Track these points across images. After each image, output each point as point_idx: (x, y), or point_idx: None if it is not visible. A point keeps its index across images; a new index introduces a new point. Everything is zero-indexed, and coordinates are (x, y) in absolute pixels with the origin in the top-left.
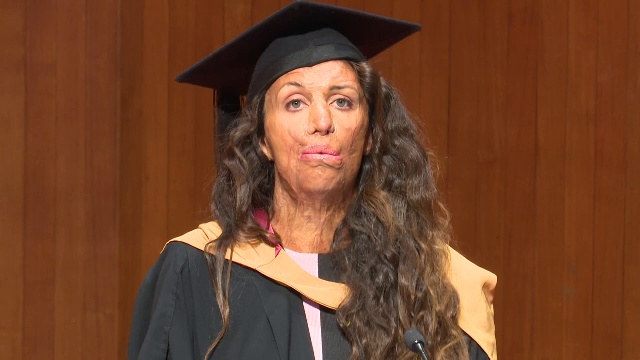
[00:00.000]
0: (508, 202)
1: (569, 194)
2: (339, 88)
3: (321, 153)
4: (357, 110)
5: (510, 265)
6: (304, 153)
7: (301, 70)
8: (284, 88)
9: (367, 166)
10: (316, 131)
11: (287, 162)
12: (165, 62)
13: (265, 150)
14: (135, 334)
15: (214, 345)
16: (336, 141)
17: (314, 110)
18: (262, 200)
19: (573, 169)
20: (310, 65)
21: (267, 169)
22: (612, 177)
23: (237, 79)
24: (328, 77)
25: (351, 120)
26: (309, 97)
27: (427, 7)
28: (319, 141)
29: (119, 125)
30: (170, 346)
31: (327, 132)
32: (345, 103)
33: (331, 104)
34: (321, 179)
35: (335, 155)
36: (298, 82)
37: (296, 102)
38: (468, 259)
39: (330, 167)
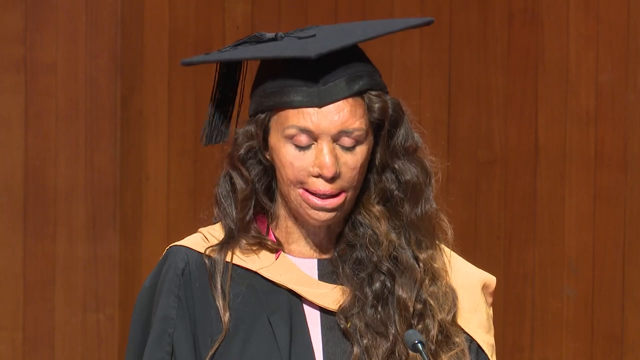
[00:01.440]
0: (508, 202)
1: (569, 194)
2: (348, 132)
3: (323, 197)
4: (363, 145)
5: (510, 265)
6: (305, 190)
7: (309, 110)
8: (290, 128)
9: (367, 175)
10: (320, 175)
11: (288, 190)
12: (165, 62)
13: (269, 156)
14: (134, 338)
15: (214, 348)
16: (341, 183)
17: (319, 155)
18: (264, 203)
19: (573, 169)
20: (320, 106)
21: (272, 171)
22: (612, 177)
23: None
24: (337, 121)
25: (356, 158)
26: (316, 138)
27: (427, 7)
28: (322, 185)
29: (119, 125)
30: (174, 349)
31: (332, 178)
32: (351, 142)
33: (337, 142)
34: (321, 219)
35: (337, 196)
36: (305, 127)
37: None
38: (468, 259)
39: (331, 210)
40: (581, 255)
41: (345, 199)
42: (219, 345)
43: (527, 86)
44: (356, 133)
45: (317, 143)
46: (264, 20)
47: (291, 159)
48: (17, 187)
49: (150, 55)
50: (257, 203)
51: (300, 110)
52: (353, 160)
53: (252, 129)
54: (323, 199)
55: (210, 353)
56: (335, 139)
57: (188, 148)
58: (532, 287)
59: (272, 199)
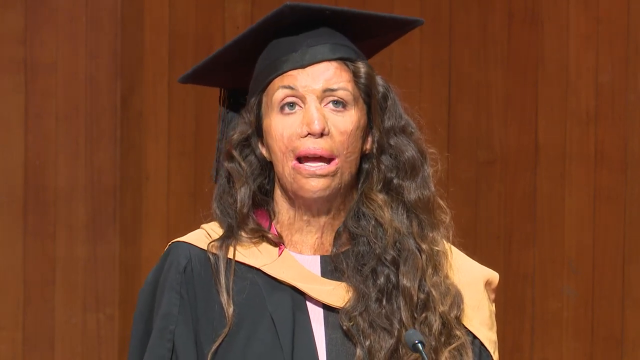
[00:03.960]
0: (508, 202)
1: (569, 194)
2: (333, 90)
3: (314, 159)
4: (352, 111)
5: (510, 265)
6: (297, 159)
7: (294, 72)
8: (278, 91)
9: (366, 166)
10: (309, 134)
11: (282, 168)
12: (165, 62)
13: (264, 152)
14: (136, 335)
15: (217, 344)
16: (331, 144)
17: (306, 113)
18: (262, 200)
19: (573, 169)
20: (303, 66)
21: (267, 170)
22: (612, 177)
23: (241, 77)
24: (321, 79)
25: (346, 122)
26: (303, 99)
27: (427, 7)
28: (312, 144)
29: (119, 125)
30: (175, 345)
31: (321, 135)
32: (339, 104)
33: (325, 105)
34: (315, 189)
35: (329, 162)
36: (291, 85)
37: (291, 104)
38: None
39: (324, 176)
40: (581, 255)
41: (338, 168)
42: (222, 341)
43: (527, 86)
44: (342, 92)
45: (304, 105)
46: None
47: (281, 129)
48: (17, 187)
49: (150, 55)
50: (256, 200)
51: (286, 73)
52: (342, 123)
53: (246, 115)
54: (315, 162)
55: (214, 348)
56: (322, 98)
57: (188, 148)
58: (532, 287)
59: (269, 195)
